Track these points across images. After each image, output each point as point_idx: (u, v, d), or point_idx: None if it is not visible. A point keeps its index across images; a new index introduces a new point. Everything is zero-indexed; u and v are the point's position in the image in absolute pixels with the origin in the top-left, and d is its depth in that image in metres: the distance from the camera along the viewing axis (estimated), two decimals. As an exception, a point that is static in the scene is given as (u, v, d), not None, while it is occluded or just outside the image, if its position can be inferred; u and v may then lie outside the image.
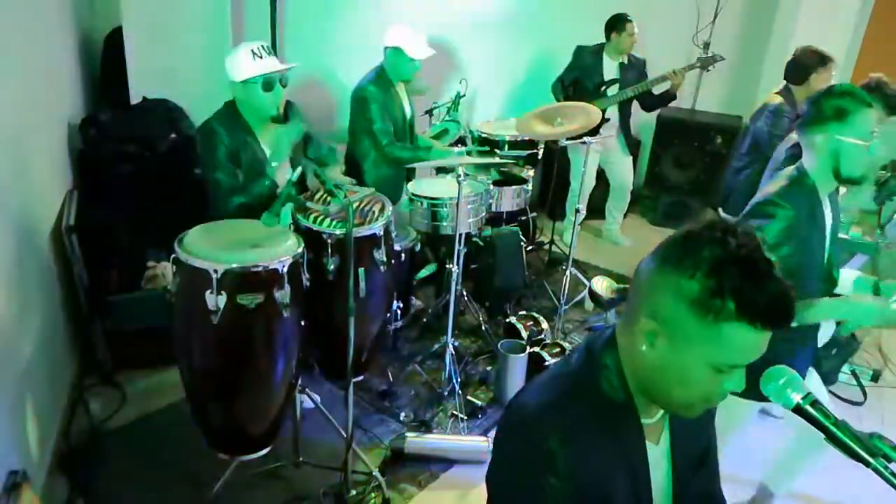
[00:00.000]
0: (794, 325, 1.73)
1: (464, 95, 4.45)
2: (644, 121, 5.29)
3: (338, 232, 2.31)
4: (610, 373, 1.09)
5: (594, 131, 4.09)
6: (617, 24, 4.28)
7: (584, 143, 3.45)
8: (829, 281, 2.04)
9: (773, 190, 1.89)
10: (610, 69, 4.38)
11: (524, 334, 3.36)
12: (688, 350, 0.99)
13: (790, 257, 1.78)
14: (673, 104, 5.23)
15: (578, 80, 4.44)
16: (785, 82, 3.47)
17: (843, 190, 2.45)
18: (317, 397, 2.70)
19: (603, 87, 4.36)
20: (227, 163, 2.51)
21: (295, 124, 2.68)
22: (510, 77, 5.04)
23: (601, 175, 4.78)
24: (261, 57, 2.50)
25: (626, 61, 4.37)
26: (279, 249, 2.14)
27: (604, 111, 4.25)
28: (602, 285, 3.89)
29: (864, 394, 3.34)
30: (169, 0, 3.55)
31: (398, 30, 3.40)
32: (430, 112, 4.30)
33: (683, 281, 0.97)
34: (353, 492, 2.49)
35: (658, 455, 1.16)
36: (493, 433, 2.91)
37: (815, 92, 1.92)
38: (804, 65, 3.35)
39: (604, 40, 4.36)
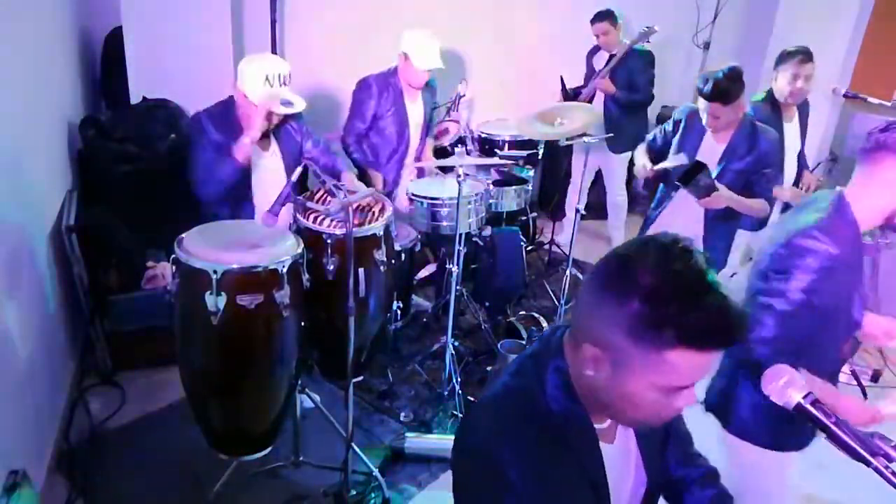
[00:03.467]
0: None
1: (464, 95, 4.45)
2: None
3: (338, 232, 2.31)
4: (558, 388, 1.05)
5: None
6: None
7: (585, 142, 3.45)
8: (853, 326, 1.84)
9: (812, 220, 1.65)
10: (599, 63, 4.38)
11: (524, 334, 3.35)
12: (632, 376, 0.96)
13: (822, 302, 1.61)
14: (673, 104, 5.23)
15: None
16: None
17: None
18: (317, 397, 2.69)
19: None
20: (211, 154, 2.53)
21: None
22: (510, 77, 5.04)
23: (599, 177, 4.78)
24: (271, 86, 2.47)
25: (619, 53, 4.29)
26: (279, 250, 2.13)
27: (590, 100, 4.30)
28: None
29: (864, 394, 3.34)
30: (169, 0, 3.55)
31: (411, 36, 3.39)
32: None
33: (622, 310, 0.92)
34: (353, 492, 2.49)
35: (615, 453, 1.14)
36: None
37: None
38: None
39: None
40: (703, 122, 2.80)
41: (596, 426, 1.08)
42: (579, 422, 1.06)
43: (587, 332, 1.00)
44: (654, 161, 3.04)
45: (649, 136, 3.17)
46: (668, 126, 3.06)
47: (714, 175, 2.79)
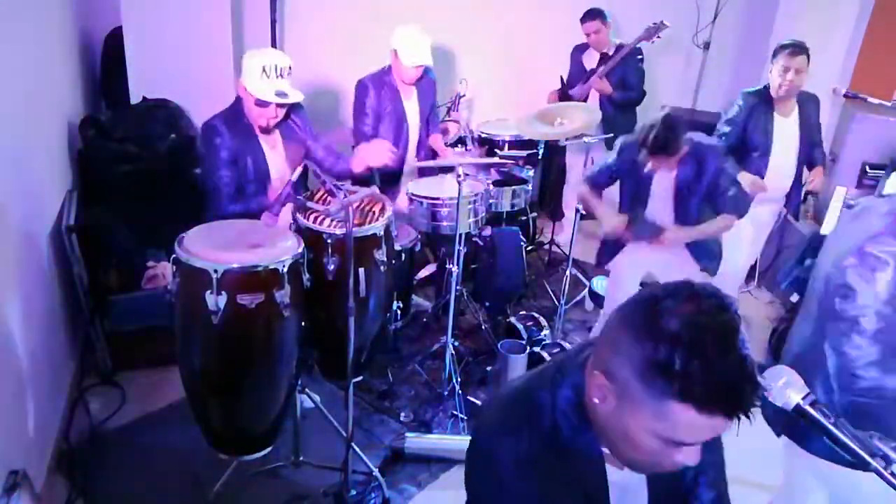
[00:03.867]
0: None
1: (464, 95, 4.45)
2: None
3: (338, 232, 2.31)
4: (569, 404, 1.05)
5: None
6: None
7: (585, 142, 3.46)
8: None
9: (881, 226, 1.61)
10: (590, 61, 4.36)
11: (524, 334, 3.35)
12: (634, 416, 0.95)
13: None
14: (673, 104, 5.23)
15: (571, 79, 4.45)
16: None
17: None
18: (317, 397, 2.69)
19: (588, 79, 4.32)
20: (226, 164, 2.53)
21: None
22: (510, 77, 5.05)
23: None
24: (268, 77, 2.48)
25: (609, 52, 4.28)
26: (279, 249, 2.13)
27: (584, 100, 4.27)
28: (602, 285, 3.90)
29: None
30: (169, 0, 3.55)
31: (401, 32, 3.39)
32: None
33: (637, 348, 0.91)
34: (353, 492, 2.49)
35: (623, 477, 1.10)
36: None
37: None
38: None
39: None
40: (646, 169, 2.80)
41: (605, 449, 1.06)
42: (584, 442, 1.05)
43: (602, 360, 0.99)
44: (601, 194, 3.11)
45: (591, 171, 3.13)
46: (612, 160, 3.03)
47: (672, 210, 2.85)
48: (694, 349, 0.88)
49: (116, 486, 2.53)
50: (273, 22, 3.99)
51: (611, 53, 4.24)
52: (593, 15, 4.18)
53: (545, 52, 4.84)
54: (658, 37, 4.07)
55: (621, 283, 3.12)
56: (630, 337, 0.93)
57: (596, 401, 0.99)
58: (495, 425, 1.09)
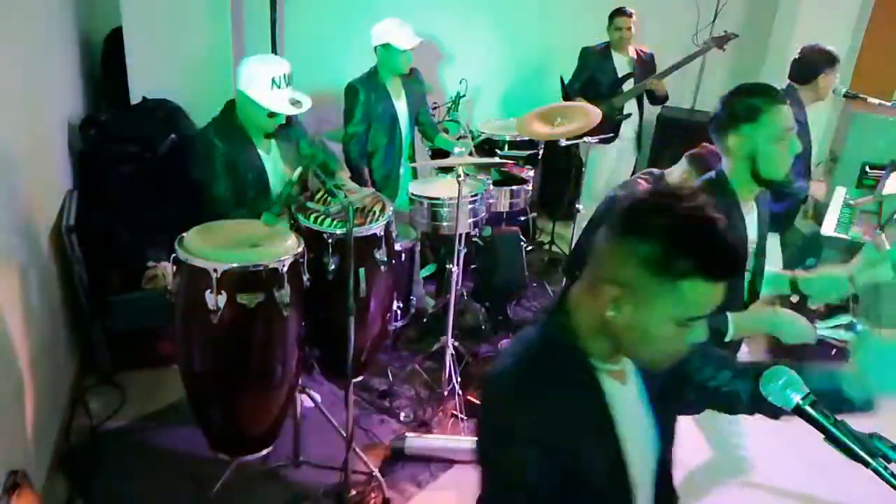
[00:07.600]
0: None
1: (464, 95, 4.45)
2: (644, 120, 5.29)
3: (338, 232, 2.31)
4: (564, 332, 1.14)
5: (615, 130, 4.11)
6: (609, 18, 4.24)
7: (586, 142, 3.45)
8: (752, 294, 1.93)
9: None
10: (621, 65, 4.31)
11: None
12: (651, 310, 1.04)
13: None
14: (673, 104, 5.23)
15: (591, 81, 4.35)
16: (789, 82, 3.41)
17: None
18: (317, 397, 2.70)
19: (621, 84, 4.28)
20: (224, 174, 2.49)
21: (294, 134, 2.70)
22: (510, 77, 5.04)
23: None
24: (279, 88, 2.43)
25: (635, 56, 4.29)
26: (279, 249, 2.14)
27: (621, 109, 4.24)
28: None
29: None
30: (169, 0, 3.56)
31: (383, 26, 3.39)
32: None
33: (641, 247, 1.02)
34: (353, 492, 2.49)
35: (627, 393, 1.19)
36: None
37: (727, 93, 1.76)
38: (813, 64, 3.25)
39: (606, 39, 4.34)
40: None
41: (609, 367, 1.15)
42: (582, 367, 1.13)
43: (605, 274, 1.07)
44: None
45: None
46: None
47: None
48: (693, 230, 1.01)
49: (116, 486, 2.53)
50: (273, 22, 3.99)
51: (639, 56, 4.29)
52: (629, 12, 4.19)
53: (546, 53, 4.84)
54: (725, 47, 4.19)
55: None
56: (631, 241, 1.04)
57: (612, 313, 1.07)
58: (496, 376, 1.17)
